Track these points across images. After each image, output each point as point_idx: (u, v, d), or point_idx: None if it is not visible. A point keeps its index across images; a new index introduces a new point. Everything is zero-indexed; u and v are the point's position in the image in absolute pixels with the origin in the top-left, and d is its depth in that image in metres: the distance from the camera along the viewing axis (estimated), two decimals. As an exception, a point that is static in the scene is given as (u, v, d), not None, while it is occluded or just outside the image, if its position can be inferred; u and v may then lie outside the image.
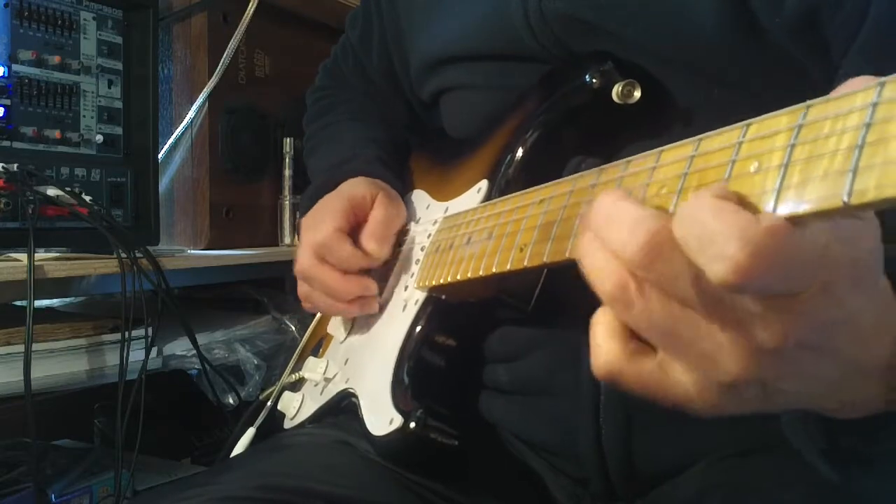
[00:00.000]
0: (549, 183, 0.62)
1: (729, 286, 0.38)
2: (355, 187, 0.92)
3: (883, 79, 0.34)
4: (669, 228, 0.41)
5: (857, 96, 0.35)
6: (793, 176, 0.37)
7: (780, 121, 0.39)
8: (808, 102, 0.38)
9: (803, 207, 0.36)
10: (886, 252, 0.42)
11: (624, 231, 0.42)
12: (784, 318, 0.41)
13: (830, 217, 0.35)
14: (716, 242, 0.38)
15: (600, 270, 0.44)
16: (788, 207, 0.37)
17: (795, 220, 0.37)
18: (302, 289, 0.93)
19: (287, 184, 1.59)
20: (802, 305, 0.40)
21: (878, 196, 0.32)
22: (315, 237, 0.88)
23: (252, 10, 1.50)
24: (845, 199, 0.33)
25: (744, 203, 0.39)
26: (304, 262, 0.90)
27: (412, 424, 0.74)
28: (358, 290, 0.88)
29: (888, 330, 0.46)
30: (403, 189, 0.98)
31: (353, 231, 0.89)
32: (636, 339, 0.46)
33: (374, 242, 0.88)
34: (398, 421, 0.76)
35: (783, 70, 0.68)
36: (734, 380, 0.43)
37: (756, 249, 0.37)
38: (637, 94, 0.72)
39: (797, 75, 0.68)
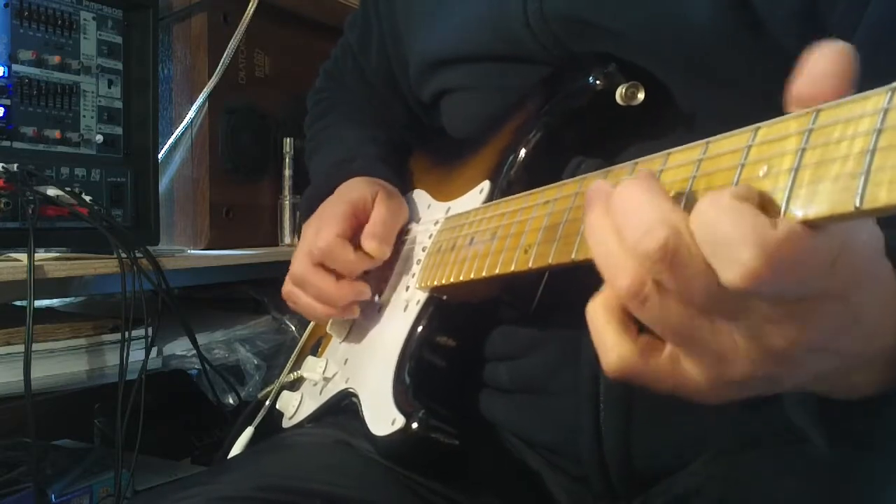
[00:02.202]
0: (554, 184, 0.62)
1: (741, 291, 0.38)
2: (354, 189, 0.92)
3: (894, 84, 0.34)
4: (690, 230, 0.40)
5: (867, 101, 0.35)
6: (803, 180, 0.37)
7: (789, 125, 0.39)
8: (818, 107, 0.38)
9: (814, 211, 0.36)
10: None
11: (643, 227, 0.41)
12: (796, 325, 0.41)
13: (841, 221, 0.36)
14: (731, 246, 0.38)
15: (615, 264, 0.44)
16: (798, 211, 0.37)
17: (811, 225, 0.37)
18: (288, 288, 0.93)
19: (287, 184, 1.59)
20: (813, 311, 0.41)
21: (891, 200, 0.32)
22: (317, 243, 0.88)
23: (252, 10, 1.50)
24: (857, 203, 0.33)
25: (764, 206, 0.39)
26: (301, 266, 0.90)
27: (415, 425, 0.75)
28: (352, 295, 0.88)
29: (891, 321, 0.47)
30: (403, 188, 0.98)
31: (356, 235, 0.89)
32: (646, 332, 0.45)
33: (374, 241, 0.87)
34: (400, 421, 0.76)
35: (782, 67, 0.68)
36: (745, 378, 0.44)
37: (771, 256, 0.37)
38: (641, 95, 0.72)
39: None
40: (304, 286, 0.90)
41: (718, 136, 0.44)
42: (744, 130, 0.42)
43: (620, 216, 0.43)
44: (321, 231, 0.88)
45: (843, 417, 0.53)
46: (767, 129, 0.41)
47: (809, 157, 0.37)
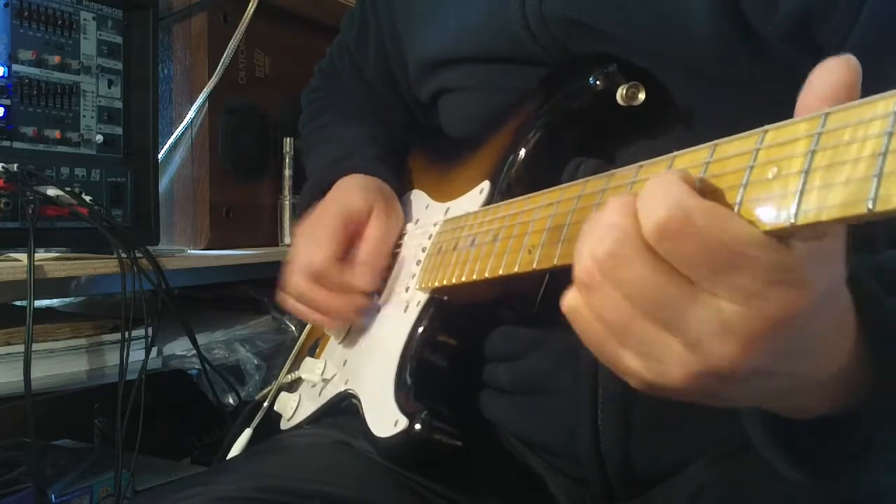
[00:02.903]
0: (557, 187, 0.62)
1: (650, 239, 0.42)
2: (351, 199, 0.92)
3: (904, 88, 0.34)
4: (638, 237, 0.43)
5: (877, 104, 0.35)
6: (814, 181, 0.37)
7: (798, 128, 0.39)
8: (827, 110, 0.38)
9: (826, 213, 0.36)
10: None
11: (596, 233, 0.46)
12: (741, 346, 0.42)
13: (852, 223, 0.36)
14: (650, 204, 0.42)
15: (577, 257, 0.48)
16: (811, 213, 0.37)
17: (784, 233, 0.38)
18: (291, 304, 0.93)
19: (287, 184, 1.59)
20: (760, 335, 0.42)
21: (904, 203, 0.32)
22: (310, 263, 0.88)
23: (252, 10, 1.50)
24: (870, 205, 0.33)
25: (710, 195, 0.43)
26: (298, 283, 0.90)
27: (417, 426, 0.75)
28: (352, 308, 0.89)
29: (843, 345, 0.48)
30: (402, 188, 0.98)
31: (348, 248, 0.90)
32: None
33: (365, 271, 0.88)
34: (403, 423, 0.76)
35: (780, 71, 0.69)
36: (679, 387, 0.45)
37: (683, 214, 0.41)
38: (641, 96, 0.72)
39: (794, 76, 0.68)
40: (304, 302, 0.91)
41: (726, 139, 0.44)
42: (751, 133, 0.43)
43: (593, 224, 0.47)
44: (314, 251, 0.89)
45: (802, 435, 0.54)
46: (776, 131, 0.41)
47: (820, 159, 0.37)
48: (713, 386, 0.45)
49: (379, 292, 0.92)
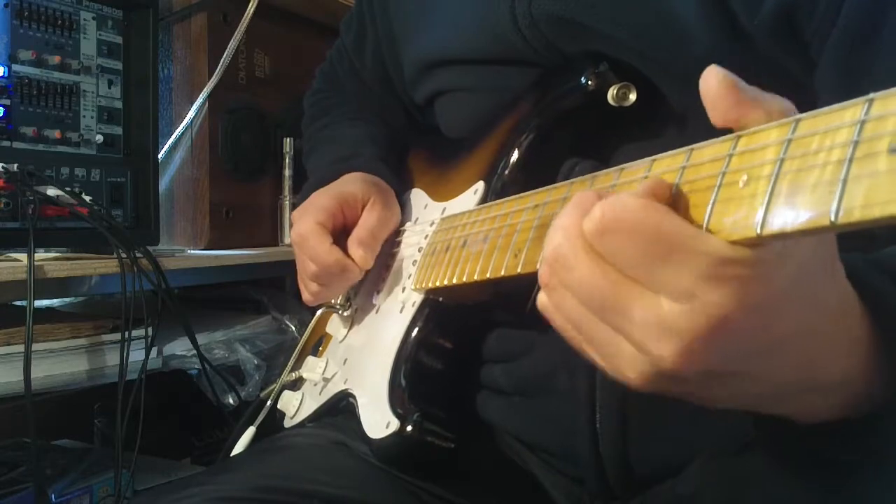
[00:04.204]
0: (544, 188, 0.62)
1: (590, 238, 0.44)
2: (349, 185, 0.92)
3: (871, 95, 0.34)
4: (580, 238, 0.45)
5: (845, 112, 0.35)
6: (780, 193, 0.37)
7: (769, 134, 0.39)
8: (798, 116, 0.37)
9: (791, 224, 0.35)
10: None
11: (549, 235, 0.48)
12: (682, 347, 0.42)
13: (817, 234, 0.35)
14: (594, 207, 0.44)
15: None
16: (776, 223, 0.36)
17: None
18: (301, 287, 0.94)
19: (287, 184, 1.59)
20: (703, 334, 0.42)
21: (865, 216, 0.32)
22: (296, 229, 0.89)
23: (252, 10, 1.50)
24: (832, 218, 0.33)
25: (682, 205, 0.44)
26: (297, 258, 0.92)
27: (409, 428, 0.75)
28: (338, 265, 0.88)
29: (839, 346, 0.47)
30: (402, 188, 0.98)
31: (336, 229, 0.89)
32: None
33: (360, 250, 0.87)
34: (395, 424, 0.76)
35: (771, 72, 0.68)
36: (638, 386, 0.46)
37: (615, 209, 0.42)
38: (633, 96, 0.72)
39: (785, 77, 0.68)
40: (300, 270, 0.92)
41: (702, 144, 0.44)
42: (725, 138, 0.42)
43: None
44: (303, 216, 0.89)
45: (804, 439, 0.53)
46: (748, 137, 0.41)
47: (788, 167, 0.37)
48: (669, 386, 0.46)
49: (378, 290, 0.92)
